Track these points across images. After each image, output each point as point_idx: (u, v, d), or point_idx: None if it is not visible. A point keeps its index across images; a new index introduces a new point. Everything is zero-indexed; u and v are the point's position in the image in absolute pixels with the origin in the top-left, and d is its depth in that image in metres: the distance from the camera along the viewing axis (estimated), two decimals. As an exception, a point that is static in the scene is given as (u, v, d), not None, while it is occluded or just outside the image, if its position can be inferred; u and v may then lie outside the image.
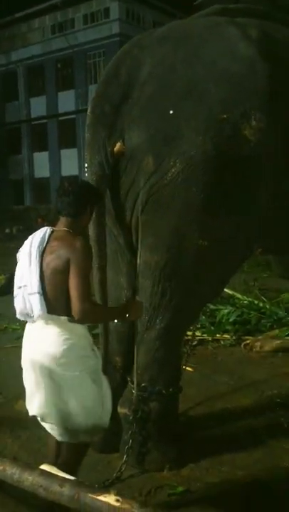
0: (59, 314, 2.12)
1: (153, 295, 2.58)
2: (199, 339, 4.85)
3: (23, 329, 5.90)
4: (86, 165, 2.55)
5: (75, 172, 25.09)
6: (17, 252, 2.33)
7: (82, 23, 25.42)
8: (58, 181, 26.79)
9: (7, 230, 21.42)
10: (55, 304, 2.11)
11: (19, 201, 28.32)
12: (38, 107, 27.70)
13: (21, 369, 2.28)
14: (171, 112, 2.35)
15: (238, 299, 5.82)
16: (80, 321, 2.12)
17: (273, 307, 5.47)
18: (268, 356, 4.47)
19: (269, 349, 4.53)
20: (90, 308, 2.08)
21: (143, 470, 2.72)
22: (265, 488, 2.59)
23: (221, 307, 5.44)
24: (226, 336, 4.94)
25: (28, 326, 2.24)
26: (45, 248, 2.17)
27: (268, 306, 5.52)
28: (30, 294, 2.12)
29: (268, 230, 2.80)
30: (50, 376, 2.14)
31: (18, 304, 2.19)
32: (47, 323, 2.13)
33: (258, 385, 3.86)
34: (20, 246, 2.34)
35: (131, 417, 2.63)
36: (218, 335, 4.96)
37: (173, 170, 2.37)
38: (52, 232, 2.23)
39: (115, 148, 2.47)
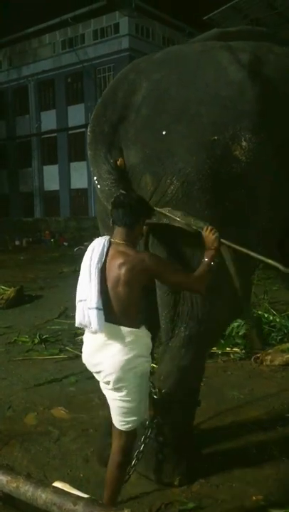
0: (123, 325, 2.21)
1: (176, 303, 2.63)
2: (209, 352, 4.82)
3: (33, 342, 5.88)
4: (95, 178, 2.61)
5: (84, 185, 25.28)
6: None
7: (92, 38, 25.79)
8: (68, 194, 27.10)
9: (17, 242, 21.54)
10: (120, 315, 2.22)
11: (29, 213, 28.54)
12: (49, 120, 28.04)
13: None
14: (164, 132, 2.43)
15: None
16: (200, 291, 2.35)
17: (283, 320, 5.44)
18: (278, 370, 4.44)
19: (279, 363, 4.50)
20: (198, 281, 2.30)
21: (151, 479, 2.71)
22: (276, 505, 2.55)
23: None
24: (235, 349, 4.91)
25: (88, 335, 2.33)
26: (104, 262, 2.25)
27: (278, 320, 5.49)
28: (89, 308, 2.21)
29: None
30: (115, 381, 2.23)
31: (79, 317, 2.28)
32: (108, 335, 2.22)
33: (268, 400, 3.82)
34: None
35: (147, 422, 2.62)
36: (228, 348, 4.92)
37: (172, 187, 2.44)
38: (110, 244, 2.30)
39: (118, 162, 2.55)
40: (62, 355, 5.04)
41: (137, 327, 2.26)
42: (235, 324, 5.23)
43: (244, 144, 2.41)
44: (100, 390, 2.39)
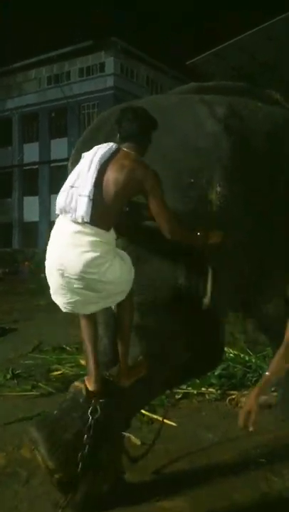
0: (98, 226, 2.24)
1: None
2: (184, 392, 4.78)
3: (5, 377, 5.73)
4: None
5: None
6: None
7: (78, 75, 26.43)
8: (47, 225, 27.07)
9: (-7, 273, 21.27)
10: (102, 213, 2.24)
11: (7, 244, 28.34)
12: (31, 153, 28.30)
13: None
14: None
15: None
16: (172, 238, 2.34)
17: (259, 361, 5.43)
18: (253, 412, 4.41)
19: (254, 405, 4.48)
20: (178, 227, 2.33)
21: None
22: None
23: (206, 360, 5.40)
24: (211, 389, 4.87)
25: (60, 224, 2.33)
26: (108, 161, 2.28)
27: (253, 360, 5.48)
28: (80, 195, 2.24)
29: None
30: (85, 277, 2.24)
31: (62, 201, 2.29)
32: (83, 229, 2.24)
33: (242, 443, 3.78)
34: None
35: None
36: (203, 388, 4.88)
37: None
38: (118, 149, 2.34)
39: None
40: (34, 392, 4.91)
41: (108, 231, 2.29)
42: (211, 364, 5.22)
43: (219, 189, 2.54)
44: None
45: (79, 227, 2.24)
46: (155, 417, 4.10)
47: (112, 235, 2.33)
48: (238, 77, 17.78)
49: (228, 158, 2.57)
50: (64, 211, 2.29)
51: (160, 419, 3.69)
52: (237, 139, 2.63)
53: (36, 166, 28.21)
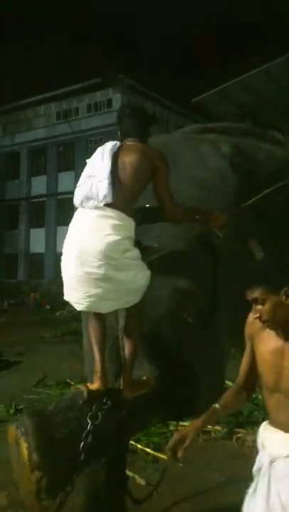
0: (119, 209, 2.28)
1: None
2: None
3: (7, 412, 5.66)
4: None
5: (70, 249, 25.39)
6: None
7: (86, 111, 27.05)
8: (53, 257, 27.19)
9: (-2, 304, 21.27)
10: (122, 196, 2.29)
11: (12, 275, 28.42)
12: (39, 185, 28.71)
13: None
14: (147, 205, 2.57)
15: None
16: (172, 220, 2.46)
17: (265, 398, 5.35)
18: (260, 452, 4.32)
19: (261, 444, 4.39)
20: (179, 208, 2.44)
21: None
22: None
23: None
24: (217, 427, 4.79)
25: (80, 215, 2.36)
26: (118, 152, 2.37)
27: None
28: (99, 181, 2.29)
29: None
30: (97, 266, 2.24)
31: (82, 191, 2.34)
32: (105, 213, 2.28)
33: (249, 484, 3.69)
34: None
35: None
36: (209, 426, 4.80)
37: (149, 250, 2.54)
38: (122, 144, 2.44)
39: None
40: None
41: (129, 216, 2.32)
42: (217, 401, 5.14)
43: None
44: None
45: (101, 212, 2.29)
46: (160, 455, 4.02)
47: (131, 221, 2.36)
48: (242, 115, 18.18)
49: (232, 192, 2.65)
50: (86, 199, 2.34)
51: (165, 458, 3.62)
52: (241, 176, 2.71)
53: (43, 199, 28.58)
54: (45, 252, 27.79)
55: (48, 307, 20.30)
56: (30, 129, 29.50)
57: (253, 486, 2.09)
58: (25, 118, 30.02)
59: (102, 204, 2.28)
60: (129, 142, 2.47)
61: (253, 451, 4.24)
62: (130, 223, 2.35)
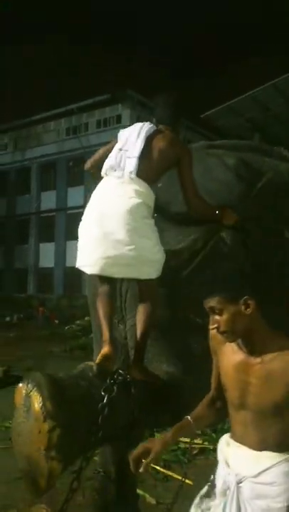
0: (143, 179, 2.39)
1: None
2: (200, 448, 4.63)
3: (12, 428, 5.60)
4: None
5: (79, 263, 25.47)
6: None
7: (96, 127, 27.32)
8: (62, 272, 27.26)
9: (7, 318, 21.31)
10: (147, 170, 2.40)
11: (22, 290, 28.50)
12: (48, 200, 28.92)
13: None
14: (155, 215, 2.58)
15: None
16: (195, 211, 2.53)
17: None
18: None
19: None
20: (202, 202, 2.52)
21: None
22: None
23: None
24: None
25: (105, 182, 2.45)
26: (152, 134, 2.49)
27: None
28: (129, 157, 2.41)
29: None
30: (117, 228, 2.29)
31: (111, 161, 2.45)
32: (128, 181, 2.38)
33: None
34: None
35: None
36: (220, 443, 4.73)
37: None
38: (158, 128, 2.57)
39: None
40: (46, 444, 4.79)
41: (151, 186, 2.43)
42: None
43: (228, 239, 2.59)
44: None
45: (125, 180, 2.39)
46: (170, 473, 3.95)
47: (152, 193, 2.45)
48: (251, 130, 18.25)
49: (237, 203, 2.66)
50: (112, 169, 2.43)
51: (175, 476, 3.56)
52: (247, 187, 2.73)
53: (53, 213, 28.78)
54: (54, 266, 27.88)
55: (56, 322, 20.31)
56: (40, 145, 29.84)
57: (218, 506, 1.91)
58: (36, 134, 30.38)
59: (126, 177, 2.39)
60: (162, 128, 2.57)
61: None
62: (151, 194, 2.44)
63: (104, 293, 2.45)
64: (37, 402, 2.00)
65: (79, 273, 2.67)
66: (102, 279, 2.45)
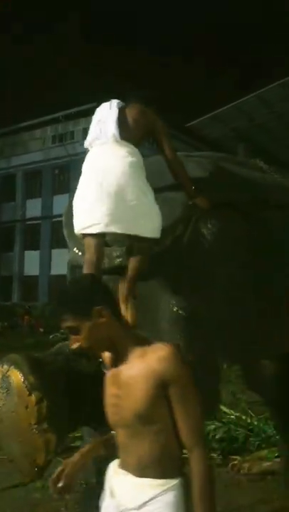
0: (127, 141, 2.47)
1: None
2: (184, 458, 4.61)
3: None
4: (75, 248, 2.74)
5: (64, 271, 25.29)
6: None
7: (82, 135, 27.35)
8: (47, 280, 27.08)
9: (-9, 327, 21.05)
10: (128, 135, 2.48)
11: (6, 298, 28.24)
12: (34, 208, 28.80)
13: None
14: None
15: (224, 413, 5.63)
16: (175, 171, 2.65)
17: (261, 424, 5.27)
18: (257, 480, 4.23)
19: (257, 471, 4.31)
20: (183, 168, 2.65)
21: None
22: None
23: (207, 422, 5.25)
24: (212, 454, 4.70)
25: (93, 151, 2.54)
26: (124, 107, 2.60)
27: (255, 423, 5.33)
28: (107, 124, 2.50)
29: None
30: (117, 184, 2.35)
31: (92, 134, 2.57)
32: (118, 143, 2.45)
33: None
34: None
35: None
36: (203, 453, 4.71)
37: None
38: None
39: None
40: (29, 455, 4.74)
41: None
42: (212, 427, 5.07)
43: (209, 225, 2.68)
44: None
45: (113, 142, 2.47)
46: (154, 484, 3.93)
47: (141, 156, 2.52)
48: (236, 139, 18.42)
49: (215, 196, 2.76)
50: (96, 139, 2.54)
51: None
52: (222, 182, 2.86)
53: (38, 221, 28.65)
54: (39, 274, 27.70)
55: (41, 330, 20.13)
56: (26, 152, 29.75)
57: None
58: (21, 141, 30.29)
59: (111, 141, 2.46)
60: (132, 103, 2.67)
61: (248, 479, 4.19)
62: (140, 155, 2.52)
63: (90, 261, 2.42)
64: (17, 379, 1.96)
65: (64, 281, 2.66)
66: (91, 246, 2.43)
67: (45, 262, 27.20)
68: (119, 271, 2.49)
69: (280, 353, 3.36)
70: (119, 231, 2.40)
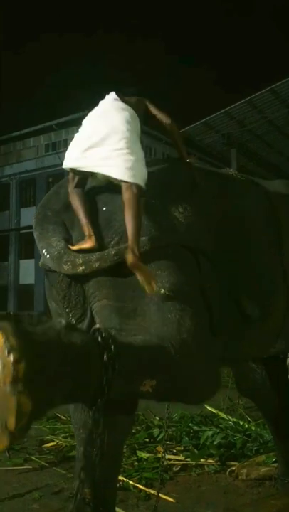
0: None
1: None
2: (182, 464, 4.60)
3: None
4: (44, 251, 2.67)
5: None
6: None
7: (75, 143, 27.45)
8: (43, 288, 26.96)
9: (-13, 337, 20.95)
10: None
11: (2, 307, 28.13)
12: (28, 216, 28.70)
13: None
14: (104, 208, 2.62)
15: (222, 419, 5.62)
16: (168, 126, 2.85)
17: (259, 429, 5.26)
18: (254, 485, 4.22)
19: (255, 477, 4.29)
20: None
21: None
22: None
23: (204, 428, 5.24)
24: (210, 460, 4.69)
25: (94, 112, 2.62)
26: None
27: (253, 428, 5.31)
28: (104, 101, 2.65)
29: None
30: (119, 131, 2.44)
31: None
32: (119, 101, 2.60)
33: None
34: None
35: None
36: (202, 459, 4.70)
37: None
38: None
39: None
40: (26, 466, 4.72)
41: None
42: (210, 433, 5.07)
43: (181, 210, 2.68)
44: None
45: (114, 100, 2.61)
46: (152, 492, 3.92)
47: (138, 120, 2.64)
48: (228, 145, 18.53)
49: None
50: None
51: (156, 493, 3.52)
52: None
53: (33, 230, 28.61)
54: (34, 283, 27.63)
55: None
56: (19, 161, 29.77)
57: None
58: (15, 150, 30.33)
59: (111, 98, 2.62)
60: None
61: (246, 485, 4.18)
62: (138, 119, 2.61)
63: (76, 192, 2.56)
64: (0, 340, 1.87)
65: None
66: (76, 179, 2.58)
67: (41, 271, 26.83)
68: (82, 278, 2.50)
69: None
70: (98, 170, 2.49)
